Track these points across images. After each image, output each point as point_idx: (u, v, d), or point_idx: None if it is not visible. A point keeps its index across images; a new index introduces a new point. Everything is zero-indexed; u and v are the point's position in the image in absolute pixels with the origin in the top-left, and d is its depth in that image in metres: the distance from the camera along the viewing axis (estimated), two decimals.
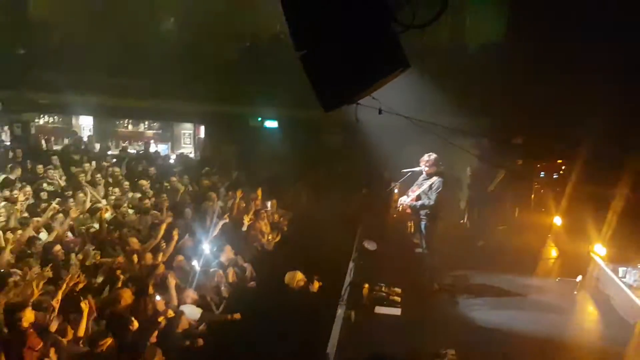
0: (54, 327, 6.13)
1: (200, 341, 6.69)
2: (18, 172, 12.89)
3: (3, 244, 8.60)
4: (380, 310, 7.89)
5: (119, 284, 7.32)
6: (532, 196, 13.19)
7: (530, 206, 13.03)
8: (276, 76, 14.26)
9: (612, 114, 10.81)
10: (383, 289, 8.27)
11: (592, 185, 11.27)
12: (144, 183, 12.64)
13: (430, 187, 8.62)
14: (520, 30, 14.57)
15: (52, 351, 5.68)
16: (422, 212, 8.71)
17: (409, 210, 9.00)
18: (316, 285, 7.61)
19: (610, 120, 10.76)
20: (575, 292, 9.00)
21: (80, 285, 6.83)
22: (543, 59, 12.74)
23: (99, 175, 13.06)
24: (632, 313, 7.69)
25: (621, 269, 8.43)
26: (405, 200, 8.88)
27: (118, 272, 7.76)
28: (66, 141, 17.89)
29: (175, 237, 8.78)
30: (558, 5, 12.63)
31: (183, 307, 7.08)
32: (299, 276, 7.46)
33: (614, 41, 11.44)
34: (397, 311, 7.90)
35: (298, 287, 7.43)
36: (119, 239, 9.17)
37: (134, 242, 8.71)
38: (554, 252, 10.74)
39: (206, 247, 8.78)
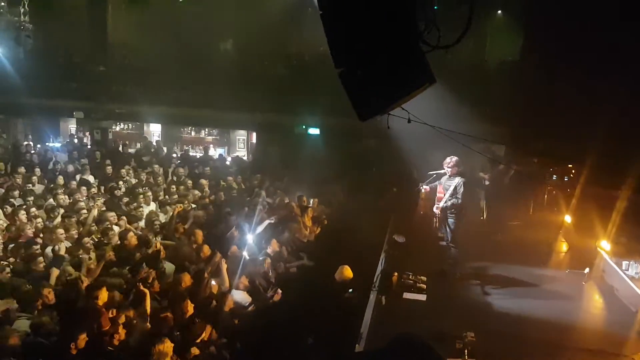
0: (123, 305, 6.26)
1: (248, 321, 6.74)
2: (97, 171, 13.24)
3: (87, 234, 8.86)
4: (407, 296, 7.86)
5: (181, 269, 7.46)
6: (545, 196, 13.00)
7: (543, 205, 12.85)
8: (318, 90, 14.30)
9: (616, 125, 10.66)
10: (410, 277, 8.22)
11: (598, 187, 11.14)
12: (204, 182, 12.80)
13: (455, 188, 8.54)
14: (532, 50, 14.70)
15: (120, 327, 5.79)
16: (449, 211, 8.62)
17: (438, 210, 8.87)
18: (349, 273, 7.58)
19: (615, 131, 10.57)
20: (583, 283, 8.85)
21: (152, 273, 7.00)
22: (553, 74, 12.64)
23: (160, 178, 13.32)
24: (634, 301, 7.59)
25: (624, 263, 8.32)
26: (439, 205, 8.76)
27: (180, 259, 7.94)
28: (138, 145, 18.29)
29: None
30: (565, 28, 12.46)
31: (235, 292, 7.12)
32: (347, 271, 7.39)
33: (619, 57, 11.28)
34: (422, 297, 7.86)
35: (346, 280, 7.33)
36: (184, 231, 9.33)
37: (199, 234, 8.80)
38: (564, 247, 10.54)
39: (256, 239, 8.84)
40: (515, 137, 13.52)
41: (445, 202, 8.65)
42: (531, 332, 6.99)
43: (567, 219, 10.93)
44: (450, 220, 8.70)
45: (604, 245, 9.05)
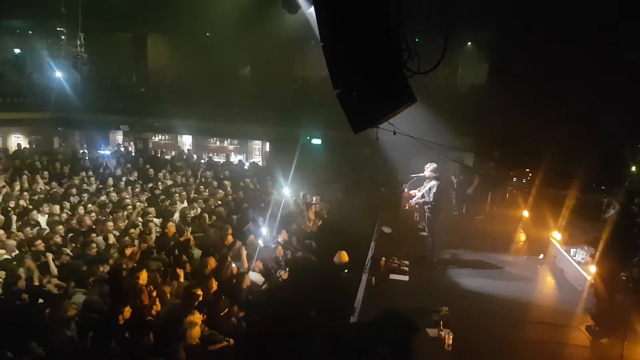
0: (160, 283, 6.26)
1: (261, 297, 6.73)
2: (139, 174, 13.24)
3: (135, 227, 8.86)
4: (393, 277, 7.81)
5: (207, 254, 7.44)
6: (507, 195, 12.94)
7: (505, 203, 12.77)
8: (319, 107, 14.30)
9: (566, 136, 10.64)
10: (396, 261, 8.18)
11: (551, 188, 11.07)
12: (227, 183, 12.79)
13: (430, 189, 8.52)
14: (497, 76, 14.82)
15: (157, 301, 5.79)
16: (426, 207, 8.59)
17: (417, 206, 8.90)
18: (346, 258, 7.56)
19: (564, 141, 10.55)
20: (538, 267, 8.80)
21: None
22: (514, 95, 12.58)
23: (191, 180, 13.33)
24: (580, 282, 7.54)
25: (572, 250, 8.25)
26: (413, 200, 8.80)
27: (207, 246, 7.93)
28: (173, 153, 18.31)
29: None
30: (524, 58, 12.56)
31: (251, 274, 7.12)
32: (344, 256, 7.39)
33: (567, 80, 11.32)
34: (405, 278, 7.81)
35: (342, 263, 7.32)
36: (210, 223, 9.31)
37: (227, 227, 8.78)
38: (522, 237, 10.49)
39: (269, 230, 8.82)
40: (482, 147, 13.52)
41: (418, 199, 8.65)
42: (495, 307, 6.95)
43: (525, 213, 10.89)
44: (427, 215, 8.68)
45: (556, 235, 9.00)
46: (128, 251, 7.47)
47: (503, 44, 13.98)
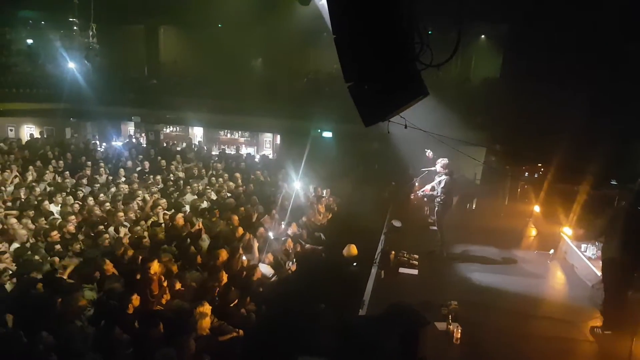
0: (170, 274, 6.34)
1: (271, 289, 6.78)
2: (151, 165, 13.35)
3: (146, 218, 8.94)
4: (402, 270, 7.81)
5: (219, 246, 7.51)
6: (519, 190, 12.84)
7: (517, 198, 12.68)
8: (331, 100, 14.29)
9: (579, 132, 10.53)
10: (405, 255, 8.17)
11: (562, 183, 10.96)
12: (238, 175, 12.84)
13: (440, 182, 8.50)
14: (511, 70, 14.51)
15: (168, 291, 5.86)
16: (436, 201, 8.58)
17: (424, 198, 8.89)
18: (355, 252, 7.58)
19: (576, 137, 10.44)
20: (548, 262, 8.74)
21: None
22: (527, 90, 12.47)
23: (202, 171, 13.39)
24: (590, 278, 7.48)
25: (583, 245, 8.19)
26: (420, 192, 8.80)
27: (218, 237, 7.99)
28: (184, 145, 18.43)
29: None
30: (537, 51, 12.38)
31: (261, 266, 7.17)
32: (354, 249, 7.41)
33: (582, 78, 11.18)
34: (415, 272, 7.81)
35: (352, 257, 7.34)
36: (220, 215, 9.37)
37: (235, 218, 8.85)
38: (533, 232, 10.40)
39: (279, 222, 8.87)
40: (495, 142, 13.41)
41: (427, 191, 8.64)
42: (504, 302, 6.93)
43: (536, 208, 10.81)
44: (437, 209, 8.66)
45: (567, 231, 8.92)
46: (125, 238, 7.56)
47: (517, 37, 13.83)
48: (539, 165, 12.99)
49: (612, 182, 9.23)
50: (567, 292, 7.70)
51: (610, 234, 6.05)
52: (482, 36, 17.49)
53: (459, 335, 5.65)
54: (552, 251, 8.94)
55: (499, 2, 12.77)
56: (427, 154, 8.56)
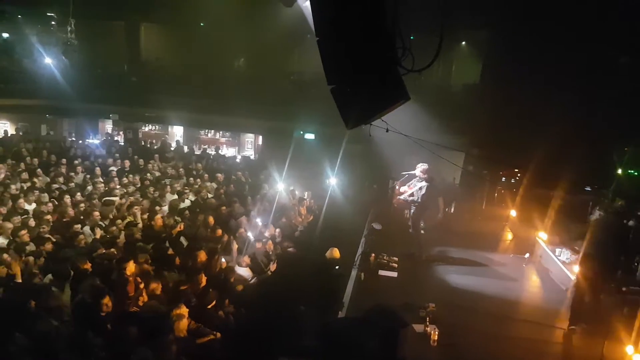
0: (147, 275, 6.24)
1: (250, 291, 6.74)
2: (129, 164, 13.14)
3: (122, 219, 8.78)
4: (382, 273, 7.87)
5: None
6: (495, 195, 13.06)
7: (494, 202, 12.88)
8: (314, 102, 14.29)
9: (555, 137, 10.74)
10: (385, 257, 8.23)
11: (538, 188, 11.18)
12: (219, 176, 12.71)
13: (420, 188, 8.58)
14: (490, 76, 14.78)
15: (144, 292, 5.78)
16: (414, 204, 8.66)
17: (405, 202, 8.96)
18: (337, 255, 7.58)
19: (552, 143, 10.67)
20: (524, 265, 8.92)
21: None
22: (505, 96, 12.66)
23: (182, 171, 13.23)
24: (564, 281, 7.65)
25: (557, 249, 8.36)
26: (402, 197, 8.87)
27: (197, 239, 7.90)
28: (163, 144, 18.16)
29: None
30: (517, 58, 12.60)
31: (238, 269, 7.12)
32: (336, 252, 7.41)
33: (560, 83, 11.43)
34: (394, 274, 7.88)
35: (334, 260, 7.36)
36: (200, 216, 9.26)
37: (211, 220, 8.76)
38: (509, 236, 10.60)
39: (259, 224, 8.82)
40: (474, 147, 13.60)
41: (407, 195, 8.71)
42: (481, 304, 7.04)
43: (513, 213, 11.01)
44: (414, 212, 8.74)
45: (542, 235, 9.11)
46: (98, 233, 7.42)
47: (497, 43, 14.08)
48: (516, 170, 13.23)
49: (586, 188, 9.46)
50: (541, 295, 7.86)
51: (588, 238, 6.20)
52: (463, 42, 17.75)
53: (436, 337, 5.71)
54: (527, 255, 9.11)
55: (479, 8, 12.97)
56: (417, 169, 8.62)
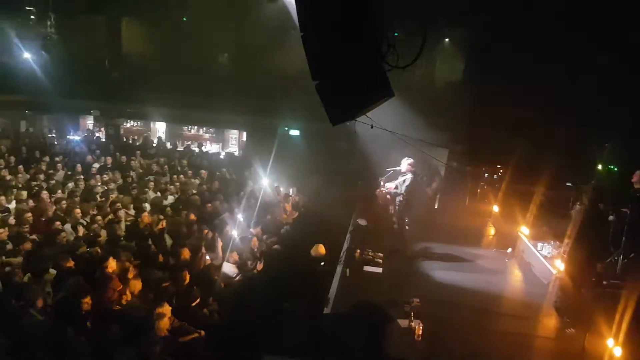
0: (131, 274, 6.16)
1: (235, 288, 6.70)
2: (110, 161, 12.94)
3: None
4: (367, 268, 7.86)
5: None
6: (479, 191, 13.17)
7: (477, 198, 13.00)
8: (298, 98, 14.21)
9: (534, 136, 10.86)
10: (370, 253, 8.23)
11: (520, 184, 11.27)
12: (203, 173, 12.60)
13: (404, 181, 8.61)
14: (472, 74, 15.02)
15: (128, 290, 5.70)
16: (398, 199, 8.68)
17: (389, 196, 8.98)
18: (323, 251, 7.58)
19: (533, 140, 10.78)
20: (506, 260, 8.99)
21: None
22: (488, 93, 12.78)
23: (165, 168, 13.08)
24: (546, 275, 7.74)
25: (539, 244, 8.45)
26: (386, 187, 8.88)
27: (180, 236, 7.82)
28: (145, 140, 17.91)
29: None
30: (499, 57, 12.72)
31: (225, 265, 7.07)
32: (321, 249, 7.40)
33: (539, 82, 11.57)
34: (379, 270, 7.88)
35: (320, 256, 7.34)
36: (184, 213, 9.17)
37: (193, 216, 8.70)
38: (492, 231, 10.70)
39: (243, 221, 8.76)
40: (457, 143, 13.71)
41: (391, 189, 8.74)
42: (464, 299, 7.08)
43: (495, 208, 11.13)
44: (398, 208, 8.78)
45: (524, 230, 9.21)
46: (80, 230, 7.30)
47: (479, 41, 14.19)
48: (498, 166, 13.37)
49: (567, 184, 9.61)
50: (523, 289, 7.95)
51: (569, 233, 6.29)
52: (446, 40, 17.84)
53: (420, 332, 5.74)
54: (510, 250, 9.21)
55: (463, 6, 13.06)
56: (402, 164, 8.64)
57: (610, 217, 7.57)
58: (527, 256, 8.76)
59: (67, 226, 7.92)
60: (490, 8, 12.86)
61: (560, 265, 7.00)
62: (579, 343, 5.46)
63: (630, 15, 9.72)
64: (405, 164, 8.59)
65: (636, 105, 9.59)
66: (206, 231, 8.03)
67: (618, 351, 4.95)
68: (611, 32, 10.39)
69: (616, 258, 7.12)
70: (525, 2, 12.27)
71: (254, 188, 11.10)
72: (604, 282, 6.81)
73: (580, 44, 11.26)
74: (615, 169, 9.50)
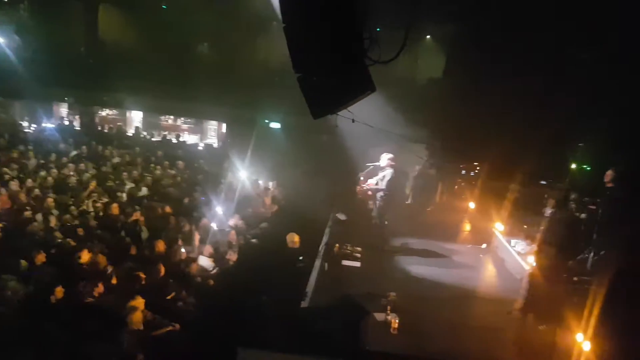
0: (104, 266, 6.05)
1: (211, 281, 6.63)
2: (85, 150, 12.66)
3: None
4: (345, 263, 7.88)
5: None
6: (455, 187, 13.31)
7: (454, 194, 13.13)
8: (280, 90, 14.11)
9: (510, 133, 11.01)
10: (349, 247, 8.24)
11: (496, 181, 11.40)
12: (181, 164, 12.42)
13: (384, 177, 8.64)
14: (453, 71, 15.04)
15: (99, 283, 5.60)
16: (378, 195, 8.72)
17: (370, 193, 9.01)
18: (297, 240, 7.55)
19: (509, 138, 10.94)
20: (481, 255, 9.15)
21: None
22: (467, 90, 12.90)
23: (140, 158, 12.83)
24: (519, 271, 7.86)
25: (513, 240, 8.61)
26: (367, 184, 8.92)
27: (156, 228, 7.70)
28: (121, 129, 17.50)
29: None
30: (479, 55, 12.83)
31: (201, 258, 6.99)
32: (296, 238, 7.38)
33: (516, 80, 11.71)
34: (357, 264, 7.91)
35: (294, 245, 7.33)
36: (160, 204, 9.03)
37: (168, 208, 8.57)
38: (468, 227, 10.84)
39: (222, 213, 8.67)
40: (436, 140, 13.84)
41: (371, 185, 8.76)
42: (440, 293, 7.18)
43: (471, 205, 11.29)
44: (379, 203, 8.81)
45: (498, 226, 9.37)
46: (52, 221, 7.14)
47: (460, 38, 14.30)
48: (475, 163, 13.55)
49: (541, 182, 9.79)
50: (497, 284, 8.11)
51: (542, 230, 6.41)
52: (428, 36, 17.94)
53: (396, 325, 5.80)
54: (484, 245, 9.38)
55: (445, 3, 13.13)
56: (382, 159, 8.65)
57: (582, 215, 7.75)
58: (501, 252, 8.92)
59: (39, 216, 7.70)
60: (471, 6, 12.96)
61: (532, 262, 7.14)
62: (550, 337, 5.59)
63: (607, 15, 9.90)
64: (385, 159, 8.62)
65: (609, 107, 9.81)
66: (183, 224, 7.91)
67: (587, 345, 5.08)
68: (588, 32, 10.57)
69: (587, 255, 7.29)
70: (504, 1, 12.40)
71: (232, 180, 10.99)
72: (575, 279, 6.97)
73: (558, 43, 11.44)
74: (588, 168, 9.72)
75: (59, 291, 5.16)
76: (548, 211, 6.48)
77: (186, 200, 9.38)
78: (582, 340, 5.15)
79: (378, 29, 4.25)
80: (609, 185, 7.30)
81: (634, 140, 8.81)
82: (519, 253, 8.25)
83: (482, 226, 10.17)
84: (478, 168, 13.34)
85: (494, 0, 12.48)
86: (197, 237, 7.48)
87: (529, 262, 7.34)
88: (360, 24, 3.98)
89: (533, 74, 11.37)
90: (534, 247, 6.65)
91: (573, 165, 9.56)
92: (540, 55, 11.54)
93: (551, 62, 11.21)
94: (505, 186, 10.62)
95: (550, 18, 11.12)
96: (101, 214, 8.27)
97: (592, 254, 7.22)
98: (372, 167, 8.94)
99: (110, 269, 6.00)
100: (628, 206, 6.85)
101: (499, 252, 9.02)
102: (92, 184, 9.51)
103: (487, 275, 8.52)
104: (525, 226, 9.15)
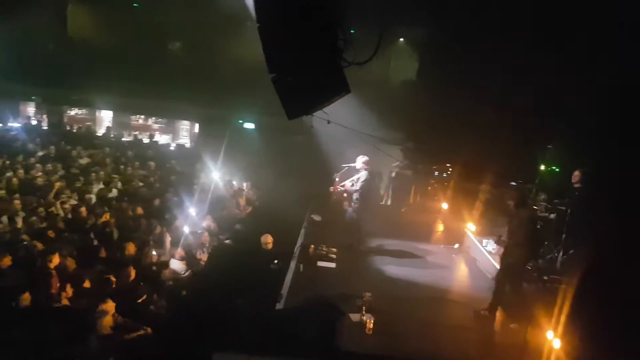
0: (72, 269, 5.88)
1: (184, 284, 6.52)
2: (53, 150, 12.29)
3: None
4: (321, 264, 7.86)
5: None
6: (429, 188, 13.47)
7: (427, 195, 13.29)
8: (254, 90, 13.99)
9: (481, 136, 11.21)
10: (324, 248, 8.23)
11: (468, 182, 11.63)
12: (152, 164, 12.20)
13: (359, 178, 8.68)
14: (426, 73, 15.35)
15: (68, 286, 5.45)
16: (354, 197, 8.75)
17: (345, 194, 9.03)
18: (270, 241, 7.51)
19: (480, 140, 11.14)
20: (453, 255, 9.28)
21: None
22: (438, 93, 13.07)
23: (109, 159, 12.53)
24: (490, 270, 8.01)
25: (484, 240, 8.74)
26: (343, 185, 8.93)
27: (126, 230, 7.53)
28: (89, 129, 17.06)
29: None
30: (450, 59, 13.02)
31: (173, 261, 6.86)
32: (270, 239, 7.34)
33: (487, 84, 11.92)
34: (333, 265, 7.90)
35: (268, 246, 7.26)
36: (130, 206, 8.83)
37: (139, 210, 8.40)
38: (441, 227, 10.99)
39: (194, 215, 8.54)
40: (409, 141, 13.98)
41: (346, 186, 8.80)
42: (414, 293, 7.25)
43: (444, 205, 11.44)
44: (354, 204, 8.85)
45: (470, 227, 9.52)
46: (19, 222, 6.90)
47: (432, 41, 14.49)
48: (447, 165, 13.75)
49: (512, 183, 9.99)
50: (469, 283, 8.24)
51: (512, 230, 6.54)
52: (401, 39, 18.14)
53: (371, 326, 5.81)
54: (457, 245, 9.53)
55: (418, 6, 13.27)
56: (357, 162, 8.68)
57: (551, 215, 7.95)
58: (473, 252, 9.07)
59: (4, 218, 7.42)
60: (444, 10, 13.14)
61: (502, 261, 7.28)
62: (521, 335, 5.71)
63: (577, 17, 10.15)
64: (360, 161, 8.65)
65: (577, 109, 10.09)
66: (155, 226, 7.75)
67: (557, 343, 5.20)
68: (558, 34, 10.83)
69: (556, 254, 7.48)
70: (475, 4, 12.62)
71: (205, 181, 10.84)
72: (545, 278, 7.15)
73: (527, 45, 11.69)
74: (557, 169, 9.98)
75: (26, 297, 4.97)
76: (516, 212, 6.60)
77: (157, 201, 9.19)
78: (552, 338, 5.27)
79: (352, 31, 4.27)
80: (577, 185, 7.53)
81: (601, 140, 9.09)
82: (490, 253, 8.41)
83: (454, 226, 10.31)
84: (450, 169, 13.54)
85: (463, 5, 12.68)
86: (168, 240, 7.34)
87: (499, 262, 7.49)
88: (334, 24, 3.98)
89: (501, 77, 11.62)
90: (505, 246, 6.77)
91: (542, 167, 9.79)
92: (510, 57, 11.78)
93: (518, 65, 11.45)
94: (476, 187, 10.81)
95: (518, 21, 11.37)
96: (70, 215, 8.02)
97: (561, 254, 7.40)
98: (347, 168, 8.96)
99: (79, 272, 5.83)
100: (595, 206, 7.06)
101: (471, 252, 9.17)
102: (59, 184, 9.22)
103: (460, 275, 8.64)
104: (496, 226, 9.30)
